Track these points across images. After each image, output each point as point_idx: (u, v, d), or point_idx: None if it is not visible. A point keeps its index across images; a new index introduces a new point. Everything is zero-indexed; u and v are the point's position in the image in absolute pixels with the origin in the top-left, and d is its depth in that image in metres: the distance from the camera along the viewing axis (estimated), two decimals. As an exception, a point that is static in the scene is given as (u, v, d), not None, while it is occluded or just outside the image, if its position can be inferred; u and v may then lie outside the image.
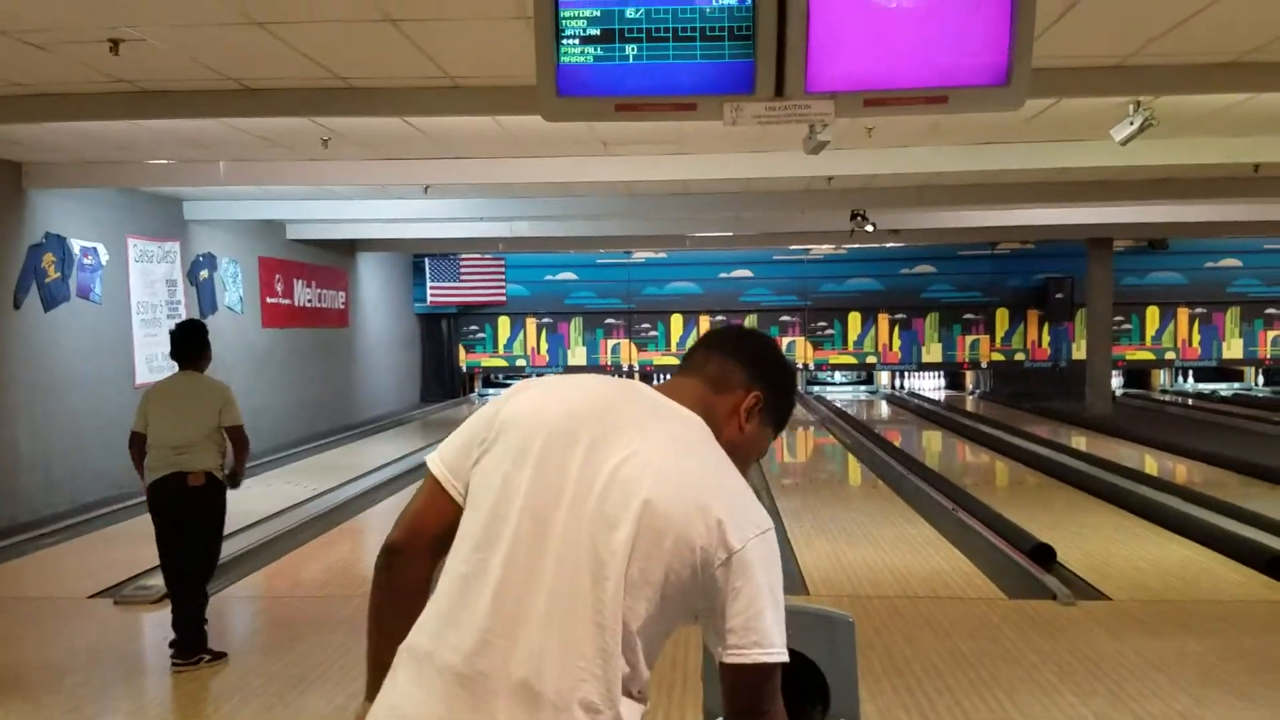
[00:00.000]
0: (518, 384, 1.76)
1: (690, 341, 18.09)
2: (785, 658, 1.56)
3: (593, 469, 1.56)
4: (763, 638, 1.54)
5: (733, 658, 1.54)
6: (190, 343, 5.17)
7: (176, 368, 5.19)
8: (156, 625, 5.68)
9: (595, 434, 1.59)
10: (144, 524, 8.10)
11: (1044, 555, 6.52)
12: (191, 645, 4.94)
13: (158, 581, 6.12)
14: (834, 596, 5.78)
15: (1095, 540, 7.32)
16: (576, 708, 1.48)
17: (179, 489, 4.93)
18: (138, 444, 5.04)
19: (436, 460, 1.69)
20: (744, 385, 1.73)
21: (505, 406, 1.67)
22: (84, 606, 5.96)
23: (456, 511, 1.64)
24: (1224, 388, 19.54)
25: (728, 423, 1.71)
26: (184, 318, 11.06)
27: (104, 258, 9.62)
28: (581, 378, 1.75)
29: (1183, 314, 19.50)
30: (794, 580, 6.25)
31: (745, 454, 1.73)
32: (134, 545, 7.30)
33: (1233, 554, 6.76)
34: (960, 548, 7.03)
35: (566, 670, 1.49)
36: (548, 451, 1.58)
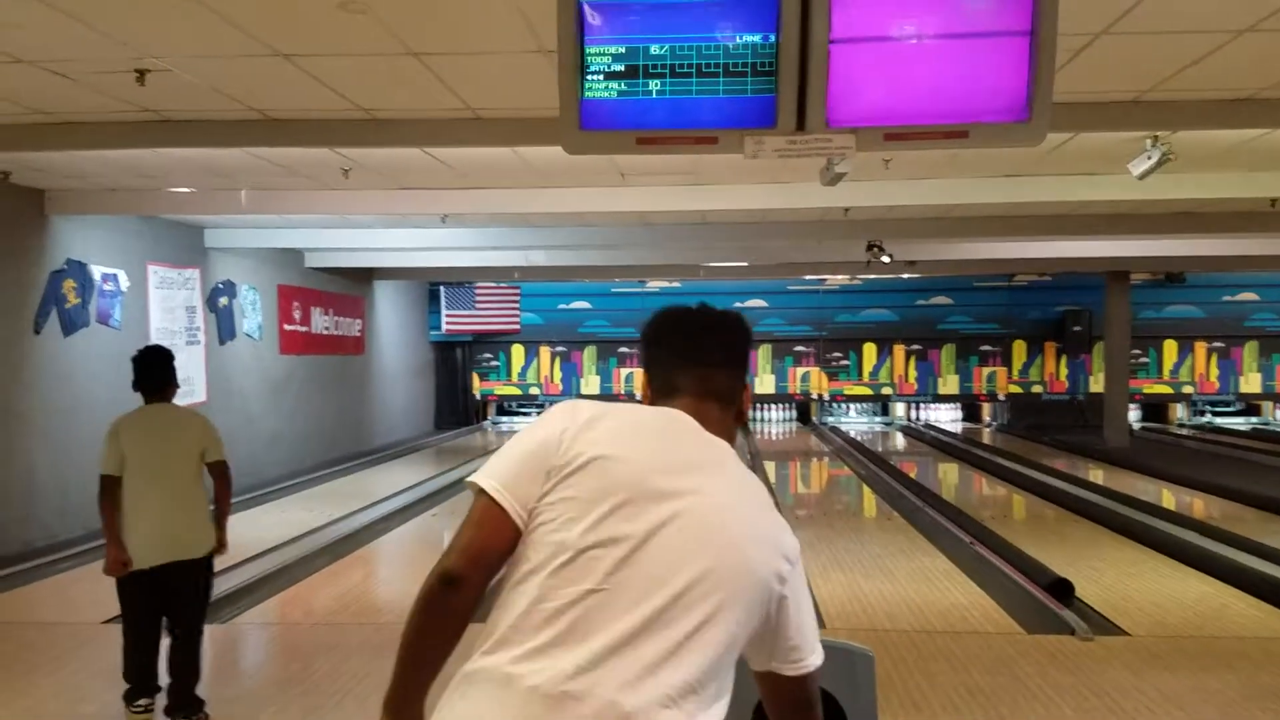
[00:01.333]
0: (573, 408, 1.75)
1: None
2: None
3: (682, 514, 1.64)
4: (817, 643, 1.77)
5: (801, 670, 1.74)
6: (162, 370, 4.55)
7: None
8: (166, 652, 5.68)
9: (676, 480, 1.67)
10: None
11: (1062, 590, 6.47)
12: (194, 708, 4.55)
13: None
14: (851, 630, 5.74)
15: (1113, 575, 7.27)
16: None
17: (185, 575, 4.46)
18: (114, 490, 4.37)
19: (496, 485, 1.67)
20: (740, 385, 1.89)
21: (579, 439, 1.69)
22: (99, 632, 5.96)
23: (517, 537, 1.66)
24: (1242, 422, 19.41)
25: (736, 420, 1.88)
26: (203, 344, 11.14)
27: (124, 284, 9.71)
28: (636, 411, 1.80)
29: (1200, 348, 19.42)
30: (810, 613, 6.22)
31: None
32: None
33: (1252, 590, 6.71)
34: (978, 581, 6.99)
35: (655, 698, 1.55)
36: (639, 492, 1.64)
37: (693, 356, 1.85)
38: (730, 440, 1.83)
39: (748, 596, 1.63)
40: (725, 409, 1.84)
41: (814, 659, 1.76)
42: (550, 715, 1.53)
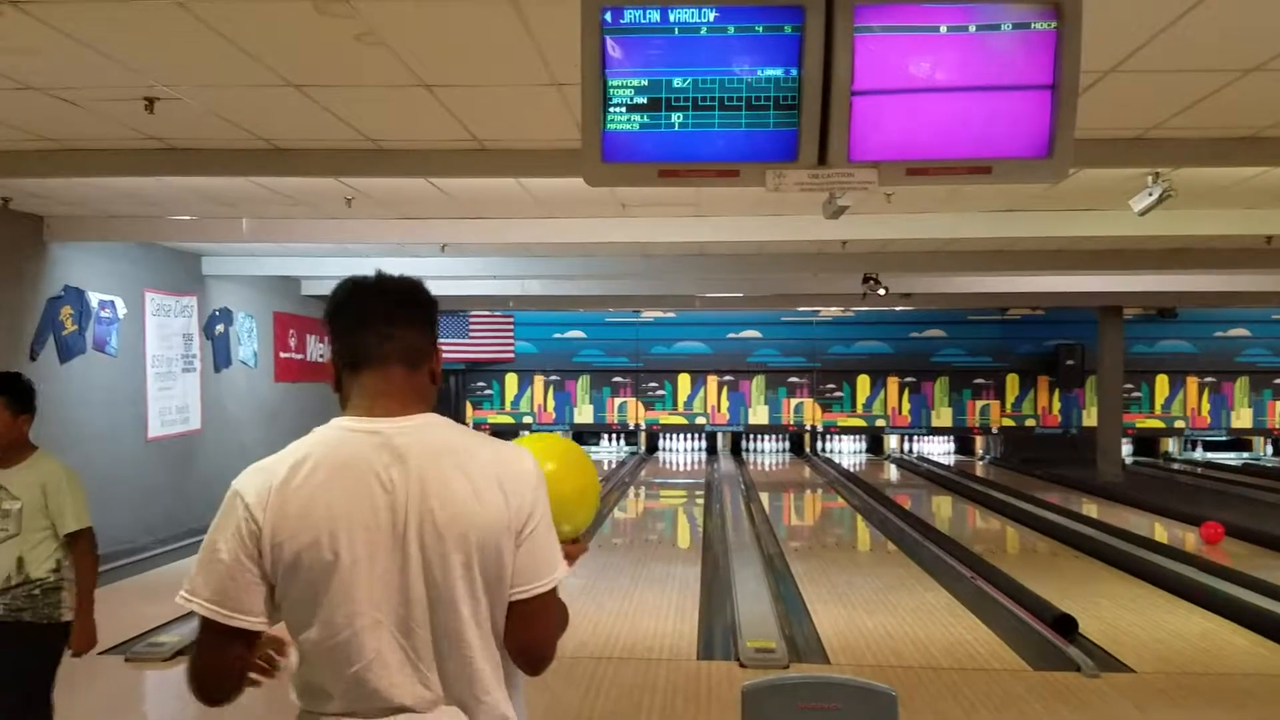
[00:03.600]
0: (237, 501, 1.78)
1: (697, 403, 17.71)
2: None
3: (426, 538, 1.76)
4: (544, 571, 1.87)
5: (522, 593, 1.82)
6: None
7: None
8: (168, 683, 5.62)
9: (358, 518, 1.75)
10: (154, 579, 8.08)
11: (1066, 626, 6.45)
12: None
13: (169, 638, 6.08)
14: (856, 666, 5.71)
15: (1112, 610, 7.25)
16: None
17: None
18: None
19: (208, 606, 1.75)
20: (429, 348, 1.94)
21: (262, 535, 1.74)
22: (94, 664, 5.86)
23: (253, 635, 1.77)
24: (1233, 457, 19.46)
25: (430, 387, 1.94)
26: (198, 372, 11.08)
27: (121, 311, 9.67)
28: (302, 462, 1.79)
29: (1192, 383, 19.50)
30: (813, 648, 6.19)
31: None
32: (143, 602, 7.25)
33: (1253, 626, 6.69)
34: (979, 616, 6.96)
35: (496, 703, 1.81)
36: (331, 563, 1.74)
37: (372, 322, 1.88)
38: (427, 404, 1.89)
39: (495, 573, 1.78)
40: (413, 371, 1.89)
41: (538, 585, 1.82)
42: None
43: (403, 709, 1.75)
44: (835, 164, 2.89)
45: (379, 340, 1.87)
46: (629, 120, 2.88)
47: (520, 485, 1.82)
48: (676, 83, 2.85)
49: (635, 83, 2.86)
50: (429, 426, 1.84)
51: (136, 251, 9.97)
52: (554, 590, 1.85)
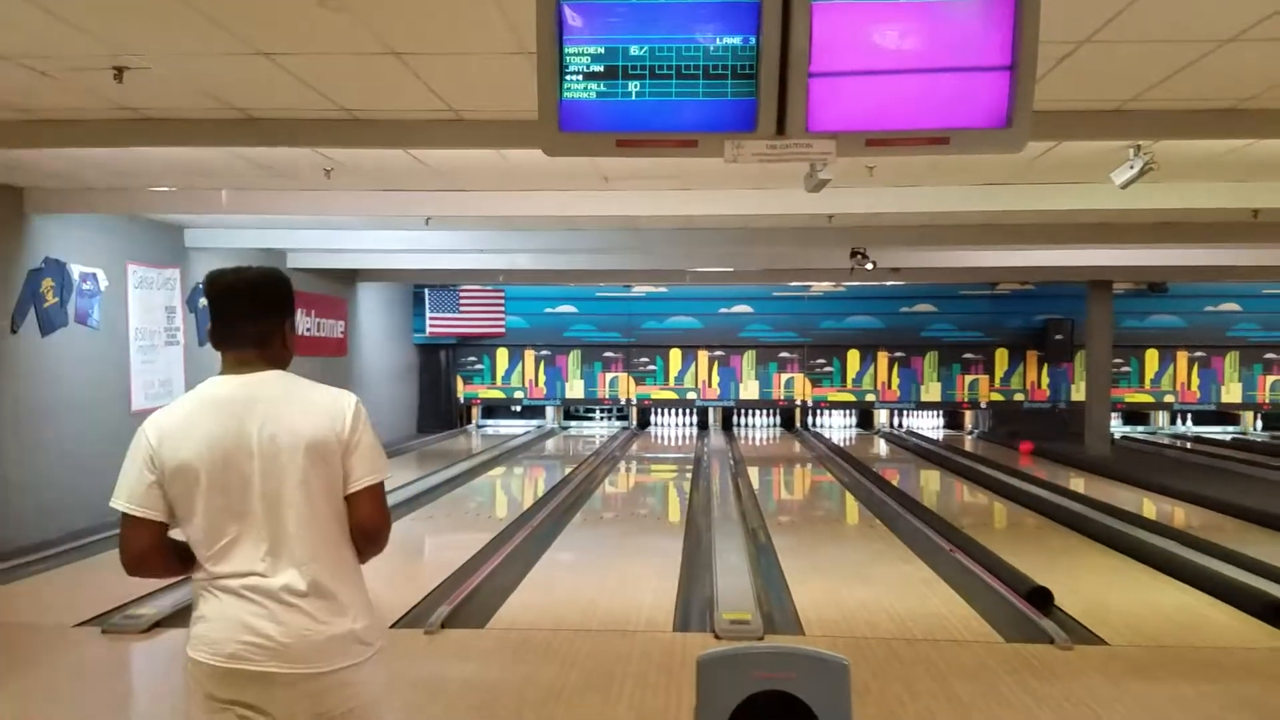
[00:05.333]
0: (143, 437, 2.46)
1: (688, 378, 17.70)
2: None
3: (265, 453, 2.43)
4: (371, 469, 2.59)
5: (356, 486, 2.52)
6: None
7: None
8: (144, 655, 5.62)
9: (227, 440, 2.43)
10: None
11: (1041, 598, 6.47)
12: None
13: (146, 610, 6.08)
14: (830, 638, 5.72)
15: (1092, 583, 7.27)
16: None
17: None
18: None
19: (126, 503, 2.43)
20: (277, 329, 2.56)
21: (160, 457, 2.43)
22: (70, 635, 5.89)
23: (162, 525, 2.44)
24: (1221, 431, 19.51)
25: (282, 351, 2.59)
26: (182, 345, 11.06)
27: (103, 284, 9.62)
28: (189, 403, 2.50)
29: (1182, 357, 19.52)
30: (789, 620, 6.20)
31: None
32: (121, 574, 7.25)
33: (1231, 600, 6.71)
34: (957, 589, 6.98)
35: (318, 570, 2.47)
36: (213, 469, 2.42)
37: (223, 315, 2.54)
38: (278, 365, 2.55)
39: (316, 467, 2.44)
40: (263, 349, 2.53)
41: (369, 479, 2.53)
42: (275, 601, 2.42)
43: (252, 573, 2.41)
44: (794, 134, 2.86)
45: (237, 330, 2.52)
46: (585, 89, 2.85)
47: (343, 413, 2.51)
48: (634, 50, 2.82)
49: (592, 50, 2.83)
50: (274, 379, 2.51)
51: (118, 224, 9.91)
52: (378, 486, 2.53)
